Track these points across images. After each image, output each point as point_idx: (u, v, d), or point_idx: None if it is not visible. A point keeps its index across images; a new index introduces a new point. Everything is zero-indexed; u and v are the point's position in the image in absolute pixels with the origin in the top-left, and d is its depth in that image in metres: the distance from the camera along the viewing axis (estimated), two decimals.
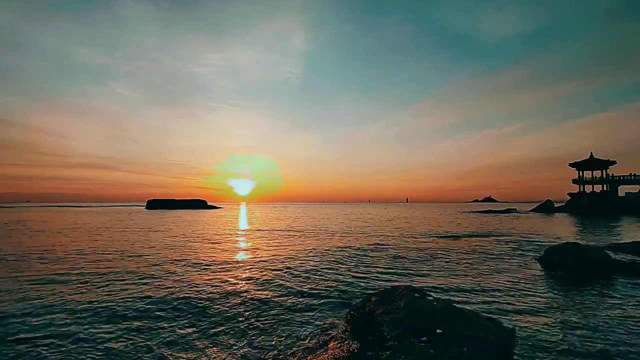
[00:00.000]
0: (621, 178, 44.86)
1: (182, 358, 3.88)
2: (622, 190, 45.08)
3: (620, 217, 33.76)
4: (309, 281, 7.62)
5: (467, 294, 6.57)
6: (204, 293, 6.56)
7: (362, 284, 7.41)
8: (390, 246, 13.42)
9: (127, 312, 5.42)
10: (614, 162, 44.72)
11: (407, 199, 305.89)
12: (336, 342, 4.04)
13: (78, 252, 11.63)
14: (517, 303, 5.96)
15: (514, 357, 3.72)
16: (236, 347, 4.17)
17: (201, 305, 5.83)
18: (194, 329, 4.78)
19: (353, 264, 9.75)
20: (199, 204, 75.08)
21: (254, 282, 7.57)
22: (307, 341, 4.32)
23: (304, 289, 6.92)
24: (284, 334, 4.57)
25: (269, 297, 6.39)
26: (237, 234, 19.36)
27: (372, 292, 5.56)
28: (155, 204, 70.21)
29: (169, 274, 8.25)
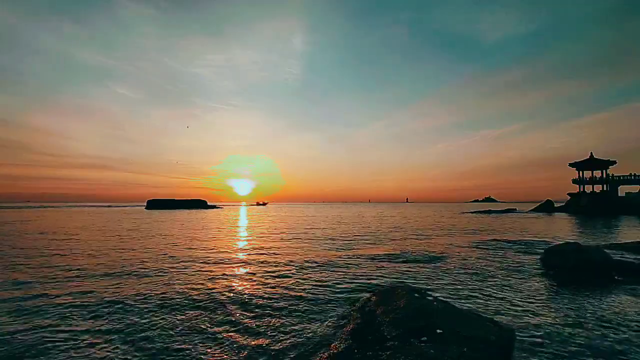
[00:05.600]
0: (621, 178, 44.81)
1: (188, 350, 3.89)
2: (622, 190, 45.09)
3: (620, 217, 33.76)
4: (309, 283, 7.63)
5: (467, 294, 6.57)
6: (203, 294, 6.58)
7: (362, 285, 7.40)
8: (391, 246, 13.42)
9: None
10: (614, 162, 44.68)
11: (407, 199, 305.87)
12: (336, 342, 4.04)
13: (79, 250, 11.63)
14: (516, 303, 5.96)
15: (514, 357, 3.72)
16: (236, 350, 4.17)
17: (193, 304, 5.84)
18: (188, 326, 4.80)
19: (353, 265, 9.75)
20: (199, 204, 75.79)
21: (251, 284, 7.58)
22: (308, 342, 4.32)
23: (304, 291, 6.93)
24: (284, 336, 4.57)
25: (268, 299, 6.40)
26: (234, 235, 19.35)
27: (372, 292, 5.55)
28: (155, 204, 70.28)
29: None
